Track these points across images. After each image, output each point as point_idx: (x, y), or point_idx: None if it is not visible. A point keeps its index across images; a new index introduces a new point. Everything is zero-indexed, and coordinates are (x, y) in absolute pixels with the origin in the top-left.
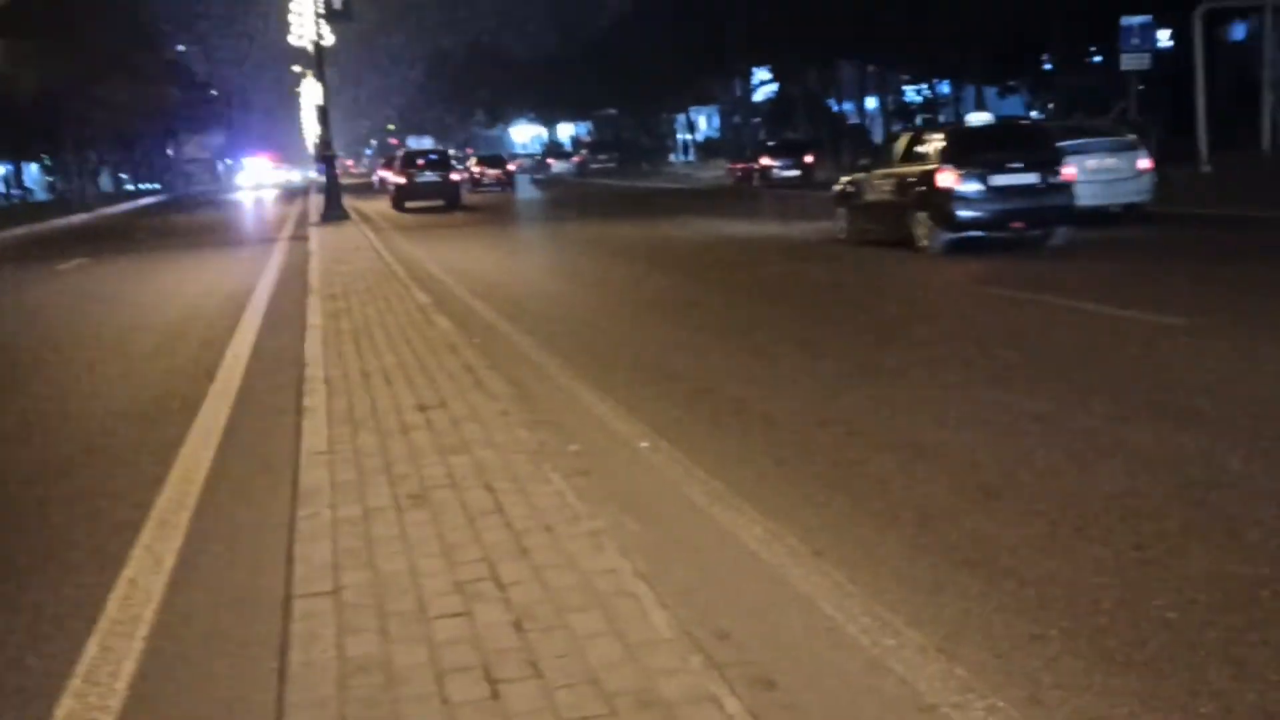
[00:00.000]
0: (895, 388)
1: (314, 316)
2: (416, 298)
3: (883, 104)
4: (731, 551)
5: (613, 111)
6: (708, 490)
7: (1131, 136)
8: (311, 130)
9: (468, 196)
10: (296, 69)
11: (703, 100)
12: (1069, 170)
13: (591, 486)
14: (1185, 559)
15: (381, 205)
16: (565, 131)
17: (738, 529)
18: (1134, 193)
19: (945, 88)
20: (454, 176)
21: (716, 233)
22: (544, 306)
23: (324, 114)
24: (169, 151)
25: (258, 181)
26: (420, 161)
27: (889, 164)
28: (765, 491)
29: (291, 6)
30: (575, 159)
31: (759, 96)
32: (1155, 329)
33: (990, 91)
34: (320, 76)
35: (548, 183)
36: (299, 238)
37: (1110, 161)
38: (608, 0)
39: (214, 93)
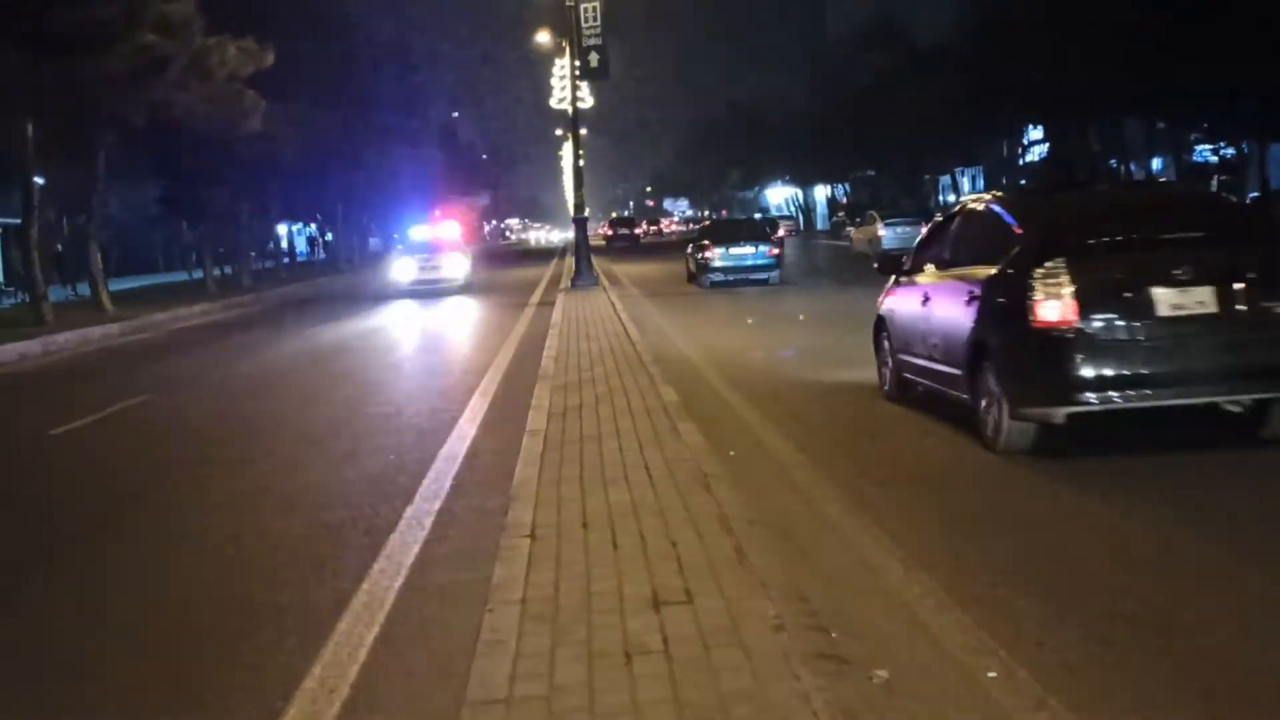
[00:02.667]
0: None
1: (538, 416)
2: (661, 393)
3: (1176, 164)
4: None
5: (871, 173)
6: None
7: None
8: (570, 192)
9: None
10: (558, 132)
11: (968, 161)
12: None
13: None
14: None
15: (632, 268)
16: (821, 193)
17: None
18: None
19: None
20: (636, 231)
21: None
22: (809, 398)
23: (578, 175)
24: (436, 212)
25: (430, 274)
26: (618, 221)
27: None
28: None
29: (554, 70)
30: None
31: (1034, 156)
32: None
33: None
34: (576, 138)
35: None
36: (546, 303)
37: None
38: (870, 61)
39: (483, 156)
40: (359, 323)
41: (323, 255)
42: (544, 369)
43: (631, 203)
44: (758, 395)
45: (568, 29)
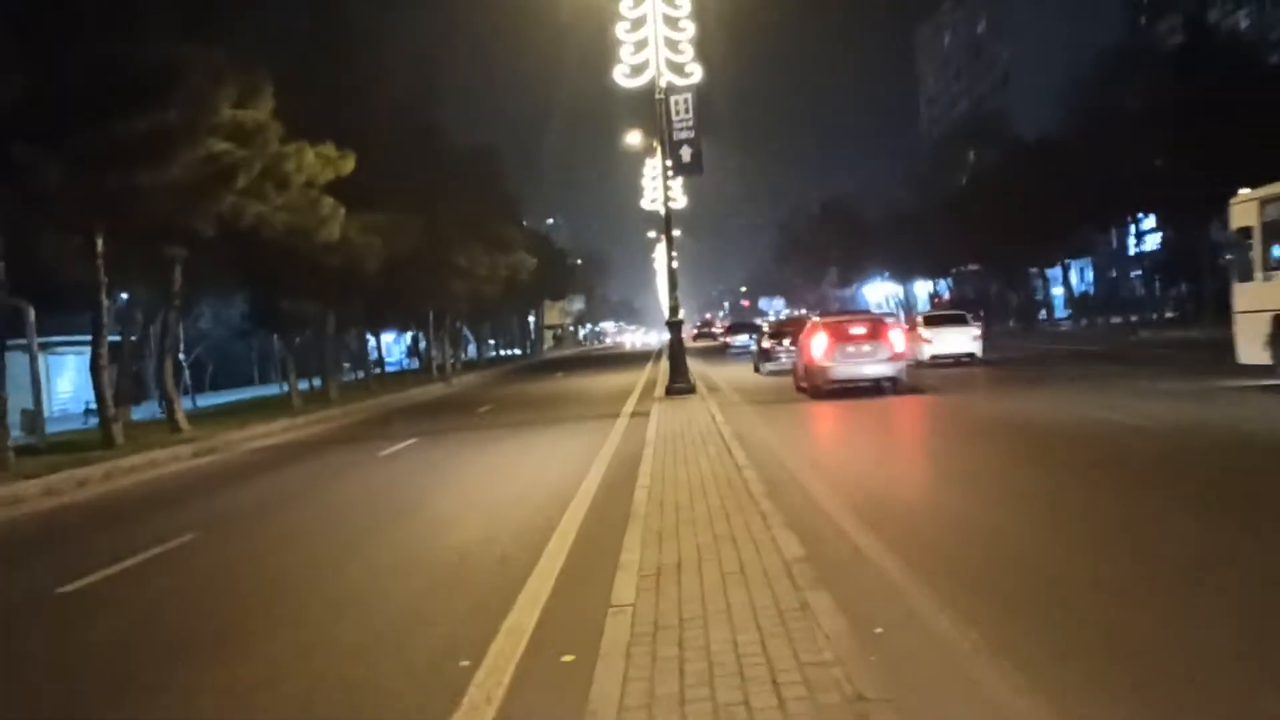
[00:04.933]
0: None
1: (625, 581)
2: (780, 543)
3: None
4: None
5: (974, 267)
6: None
7: None
8: (665, 294)
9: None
10: (651, 234)
11: (1077, 252)
12: None
13: None
14: None
15: (729, 371)
16: (923, 289)
17: None
18: None
19: None
20: (714, 330)
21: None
22: (971, 542)
23: (672, 276)
24: (530, 318)
25: None
26: (702, 324)
27: None
28: None
29: (645, 171)
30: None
31: (1148, 245)
32: None
33: None
34: (669, 238)
35: None
36: (640, 414)
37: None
38: (969, 154)
39: (578, 261)
40: (433, 437)
41: (416, 364)
42: (635, 505)
43: (726, 303)
44: (899, 535)
45: (658, 127)
